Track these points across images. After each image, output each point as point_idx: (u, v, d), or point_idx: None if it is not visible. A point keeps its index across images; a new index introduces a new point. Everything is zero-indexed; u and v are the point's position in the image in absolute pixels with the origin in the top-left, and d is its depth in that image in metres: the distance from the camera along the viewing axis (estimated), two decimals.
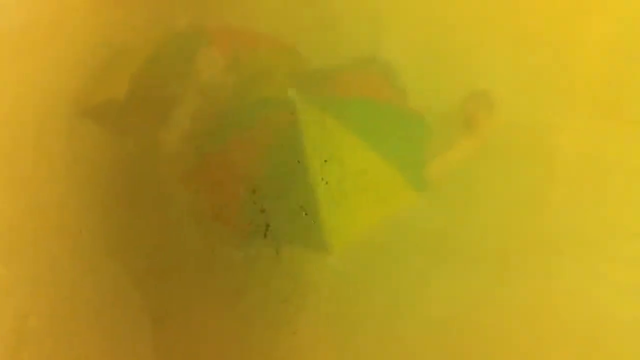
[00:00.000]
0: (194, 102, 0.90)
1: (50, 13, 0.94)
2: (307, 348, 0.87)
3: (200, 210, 0.86)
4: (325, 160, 0.84)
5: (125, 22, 0.93)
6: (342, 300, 0.88)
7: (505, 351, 0.88)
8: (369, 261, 0.89)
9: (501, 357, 0.88)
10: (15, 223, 0.92)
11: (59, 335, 0.92)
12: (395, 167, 0.86)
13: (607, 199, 0.89)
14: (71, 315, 0.91)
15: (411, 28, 0.90)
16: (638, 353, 0.86)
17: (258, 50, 0.92)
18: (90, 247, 0.90)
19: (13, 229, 0.92)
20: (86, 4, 0.94)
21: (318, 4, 0.89)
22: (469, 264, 0.89)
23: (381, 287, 0.89)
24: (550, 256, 0.88)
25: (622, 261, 0.88)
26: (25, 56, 0.93)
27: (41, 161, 0.91)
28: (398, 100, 0.90)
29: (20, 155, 0.92)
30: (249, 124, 0.86)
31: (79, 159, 0.90)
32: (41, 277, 0.91)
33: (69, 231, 0.90)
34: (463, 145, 0.91)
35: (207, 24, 0.94)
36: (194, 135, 0.88)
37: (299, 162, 0.84)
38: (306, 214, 0.83)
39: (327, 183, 0.84)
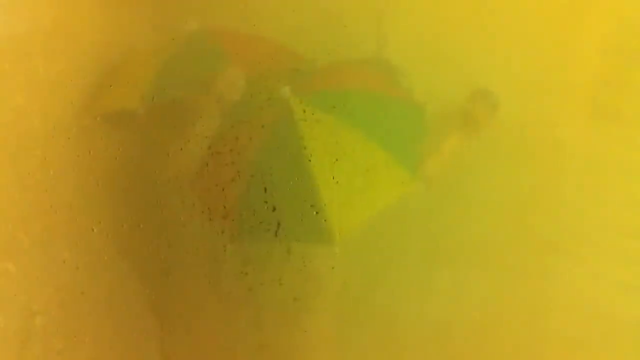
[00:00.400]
0: (203, 104, 0.91)
1: (57, 18, 0.94)
2: (317, 346, 0.88)
3: (212, 209, 0.86)
4: (337, 160, 0.84)
5: (133, 26, 0.93)
6: (352, 299, 0.89)
7: (507, 344, 0.89)
8: (377, 259, 0.90)
9: (503, 351, 0.89)
10: (25, 223, 0.92)
11: (66, 334, 0.92)
12: (398, 160, 0.87)
13: (607, 198, 0.90)
14: (79, 314, 0.91)
15: (413, 29, 0.91)
16: (638, 352, 0.88)
17: (265, 54, 0.93)
18: (100, 247, 0.90)
19: (23, 228, 0.91)
20: (92, 9, 0.94)
21: (321, 6, 0.90)
22: (472, 261, 0.90)
23: (388, 286, 0.89)
24: (549, 255, 0.90)
25: (622, 261, 0.89)
26: (33, 60, 0.93)
27: (51, 163, 0.91)
28: (400, 96, 0.92)
29: (29, 157, 0.92)
30: (259, 124, 0.87)
31: (88, 160, 0.90)
32: (50, 276, 0.91)
33: (78, 231, 0.90)
34: (465, 143, 0.92)
35: (216, 28, 0.95)
36: (205, 135, 0.89)
37: (309, 160, 0.84)
38: (317, 213, 0.84)
39: (337, 182, 0.85)
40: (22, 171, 0.91)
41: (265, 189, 0.84)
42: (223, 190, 0.86)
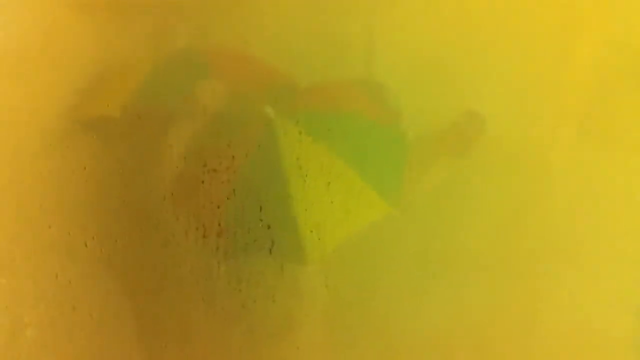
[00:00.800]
0: (194, 120, 0.90)
1: (46, 30, 0.93)
2: None
3: (207, 226, 0.86)
4: (330, 182, 0.86)
5: (122, 40, 0.93)
6: (345, 316, 0.90)
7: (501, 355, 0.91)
8: (371, 277, 0.91)
9: None
10: (15, 235, 0.91)
11: (57, 347, 0.91)
12: (379, 191, 0.88)
13: (597, 215, 0.92)
14: (70, 327, 0.91)
15: (402, 49, 0.92)
16: (638, 356, 0.90)
17: (254, 73, 0.93)
18: (91, 261, 0.89)
19: (13, 240, 0.91)
20: (81, 22, 0.93)
21: (311, 27, 0.91)
22: (463, 275, 0.91)
23: (382, 304, 0.91)
24: (537, 276, 0.92)
25: (609, 279, 0.91)
26: (21, 73, 0.92)
27: (41, 175, 0.90)
28: (388, 119, 0.92)
29: (19, 169, 0.91)
30: (255, 143, 0.87)
31: (79, 174, 0.89)
32: (40, 288, 0.90)
33: (69, 244, 0.90)
34: (454, 164, 0.93)
35: (204, 45, 0.94)
36: (200, 151, 0.89)
37: (304, 180, 0.85)
38: (311, 232, 0.85)
39: (332, 202, 0.86)
40: (12, 185, 0.91)
41: (261, 208, 0.85)
42: (218, 207, 0.86)
